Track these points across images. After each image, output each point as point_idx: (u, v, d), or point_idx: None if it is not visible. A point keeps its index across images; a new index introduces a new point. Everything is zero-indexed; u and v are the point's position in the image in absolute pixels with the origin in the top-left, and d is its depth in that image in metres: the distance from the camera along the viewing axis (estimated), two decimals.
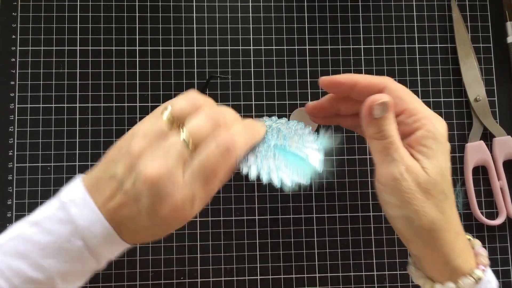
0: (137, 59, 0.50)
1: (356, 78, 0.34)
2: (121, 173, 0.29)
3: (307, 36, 0.51)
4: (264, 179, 0.32)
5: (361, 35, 0.51)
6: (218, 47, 0.50)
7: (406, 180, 0.31)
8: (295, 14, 0.51)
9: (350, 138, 0.50)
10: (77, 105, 0.49)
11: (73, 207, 0.30)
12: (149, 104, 0.49)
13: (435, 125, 0.33)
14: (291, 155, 0.33)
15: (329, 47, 0.51)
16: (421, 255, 0.34)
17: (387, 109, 0.32)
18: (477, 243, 0.36)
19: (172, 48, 0.50)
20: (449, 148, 0.34)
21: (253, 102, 0.50)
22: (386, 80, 0.34)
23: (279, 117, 0.35)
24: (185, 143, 0.29)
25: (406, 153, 0.32)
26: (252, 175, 0.32)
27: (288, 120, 0.37)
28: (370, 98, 0.32)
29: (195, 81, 0.50)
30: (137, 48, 0.50)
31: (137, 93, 0.49)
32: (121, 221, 0.30)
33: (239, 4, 0.51)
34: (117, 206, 0.29)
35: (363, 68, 0.51)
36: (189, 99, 0.31)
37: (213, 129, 0.30)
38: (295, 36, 0.51)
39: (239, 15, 0.51)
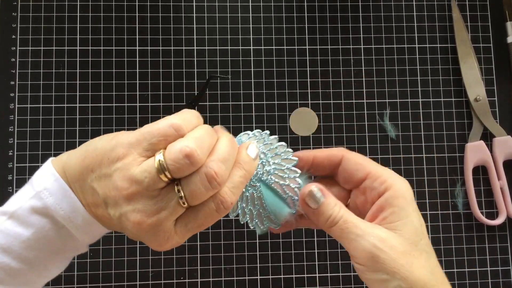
0: (137, 59, 0.50)
1: (313, 153, 0.34)
2: (104, 195, 0.28)
3: (307, 36, 0.51)
4: (241, 220, 0.32)
5: (361, 35, 0.51)
6: (218, 47, 0.50)
7: (383, 251, 0.30)
8: (295, 14, 0.51)
9: (349, 138, 0.50)
10: (77, 105, 0.49)
11: (50, 197, 0.29)
12: (149, 104, 0.49)
13: (401, 185, 0.32)
14: (271, 195, 0.32)
15: (329, 47, 0.51)
16: None
17: (321, 195, 0.31)
18: None
19: (172, 48, 0.50)
20: (417, 207, 0.33)
21: (253, 102, 0.50)
22: (342, 150, 0.34)
23: (263, 129, 0.33)
24: (181, 201, 0.28)
25: (369, 225, 0.31)
26: (232, 215, 0.32)
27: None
28: (300, 194, 0.31)
29: (195, 81, 0.50)
30: (137, 48, 0.50)
31: (137, 93, 0.49)
32: (100, 219, 0.30)
33: (239, 4, 0.51)
34: (99, 213, 0.29)
35: (363, 68, 0.51)
36: (182, 153, 0.27)
37: (212, 189, 0.28)
38: (295, 36, 0.51)
39: (239, 15, 0.51)
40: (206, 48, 0.50)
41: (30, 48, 0.49)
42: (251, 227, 0.33)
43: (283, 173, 0.32)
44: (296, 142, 0.49)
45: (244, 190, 0.32)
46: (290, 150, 0.32)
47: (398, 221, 0.31)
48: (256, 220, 0.32)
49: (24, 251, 0.29)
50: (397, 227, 0.31)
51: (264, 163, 0.32)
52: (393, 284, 0.30)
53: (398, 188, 0.31)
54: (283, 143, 0.32)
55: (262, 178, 0.32)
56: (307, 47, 0.51)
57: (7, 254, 0.29)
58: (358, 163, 0.33)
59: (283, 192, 0.32)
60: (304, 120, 0.46)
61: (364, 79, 0.51)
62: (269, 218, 0.32)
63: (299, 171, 0.32)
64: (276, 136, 0.33)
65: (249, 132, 0.33)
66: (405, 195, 0.31)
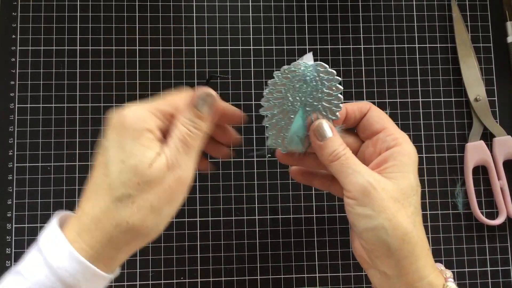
0: (137, 59, 0.50)
1: (344, 106, 0.36)
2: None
3: (307, 36, 0.51)
4: (266, 122, 0.35)
5: (361, 35, 0.51)
6: (218, 47, 0.50)
7: (375, 189, 0.31)
8: (295, 14, 0.51)
9: None
10: (77, 105, 0.49)
11: (47, 248, 0.29)
12: None
13: (410, 146, 0.34)
14: (301, 121, 0.34)
15: (329, 47, 0.51)
16: (394, 273, 0.32)
17: (330, 131, 0.34)
18: (439, 264, 0.36)
19: (172, 48, 0.50)
20: (417, 172, 0.34)
21: (253, 102, 0.50)
22: (369, 104, 0.37)
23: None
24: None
25: (369, 168, 0.33)
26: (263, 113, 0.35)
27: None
28: (311, 126, 0.34)
29: (195, 81, 0.50)
30: (137, 48, 0.50)
31: (137, 93, 0.49)
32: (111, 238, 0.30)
33: (239, 4, 0.51)
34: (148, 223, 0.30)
35: (363, 68, 0.51)
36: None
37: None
38: (295, 36, 0.51)
39: (239, 15, 0.51)
40: (206, 48, 0.50)
41: (30, 48, 0.49)
42: (266, 135, 0.35)
43: (330, 103, 0.34)
44: None
45: (284, 102, 0.34)
46: (339, 79, 0.34)
47: (397, 172, 0.33)
48: (273, 132, 0.35)
49: None
50: (395, 177, 0.33)
51: (318, 89, 0.34)
52: (376, 222, 0.31)
53: (406, 147, 0.33)
54: (341, 87, 0.34)
55: (307, 101, 0.34)
56: (307, 47, 0.51)
57: None
58: (380, 117, 0.35)
59: (318, 114, 0.34)
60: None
61: (364, 79, 0.51)
62: (283, 139, 0.35)
63: (341, 105, 0.34)
64: (334, 71, 0.34)
65: (323, 64, 0.34)
66: (411, 155, 0.34)
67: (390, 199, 0.32)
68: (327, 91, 0.34)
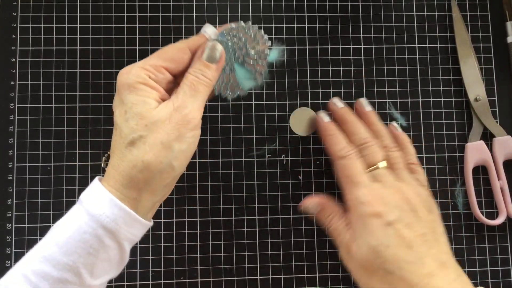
0: (137, 59, 0.50)
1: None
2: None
3: (307, 36, 0.51)
4: (216, 91, 0.39)
5: (361, 35, 0.51)
6: None
7: (347, 262, 0.37)
8: (295, 14, 0.51)
9: None
10: (77, 105, 0.49)
11: (86, 198, 0.32)
12: None
13: (356, 209, 0.37)
14: (242, 69, 0.39)
15: (329, 47, 0.51)
16: None
17: (316, 208, 0.42)
18: None
19: None
20: (386, 221, 0.36)
21: (253, 102, 0.50)
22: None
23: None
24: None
25: (345, 236, 0.38)
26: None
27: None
28: (301, 204, 0.43)
29: None
30: (137, 48, 0.50)
31: None
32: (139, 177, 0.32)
33: (239, 4, 0.51)
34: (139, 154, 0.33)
35: (363, 68, 0.51)
36: None
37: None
38: (295, 36, 0.51)
39: (239, 15, 0.51)
40: None
41: (30, 48, 0.49)
42: (223, 96, 0.40)
43: (256, 55, 0.39)
44: (296, 142, 0.49)
45: (223, 70, 0.38)
46: (266, 37, 0.40)
47: (358, 237, 0.37)
48: (228, 90, 0.40)
49: (63, 257, 0.31)
50: (356, 244, 0.37)
51: (240, 48, 0.38)
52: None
53: (353, 211, 0.38)
54: (261, 31, 0.39)
55: (236, 61, 0.39)
56: (307, 47, 0.51)
57: (48, 263, 0.30)
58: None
59: (253, 69, 0.40)
60: (304, 121, 0.46)
61: (364, 79, 0.51)
62: (239, 88, 0.40)
63: (269, 53, 0.40)
64: (257, 26, 0.39)
65: (232, 24, 0.38)
66: (358, 216, 0.38)
67: (359, 268, 0.37)
68: (249, 45, 0.39)
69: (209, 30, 0.38)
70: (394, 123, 0.45)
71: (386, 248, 0.34)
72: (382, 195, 0.37)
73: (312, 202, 0.41)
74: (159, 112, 0.32)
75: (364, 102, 0.45)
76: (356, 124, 0.42)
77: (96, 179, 0.34)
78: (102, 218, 0.31)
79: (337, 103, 0.44)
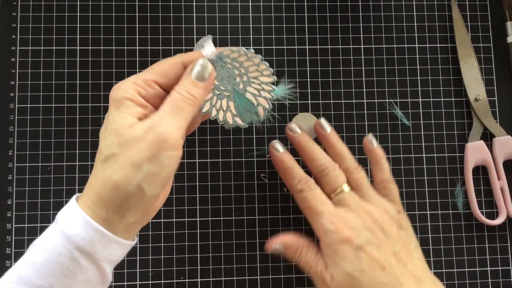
0: (137, 59, 0.50)
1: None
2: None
3: (307, 36, 0.51)
4: (213, 115, 0.37)
5: (361, 35, 0.51)
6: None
7: None
8: (295, 14, 0.51)
9: (349, 138, 0.50)
10: (77, 105, 0.49)
11: (62, 217, 0.31)
12: None
13: (324, 238, 0.37)
14: (243, 99, 0.36)
15: (329, 47, 0.51)
16: None
17: (282, 248, 0.40)
18: None
19: (172, 48, 0.50)
20: (358, 245, 0.36)
21: None
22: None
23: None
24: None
25: (319, 268, 0.37)
26: (204, 109, 0.37)
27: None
28: (267, 247, 0.41)
29: None
30: (137, 48, 0.50)
31: None
32: (116, 207, 0.31)
33: (239, 4, 0.51)
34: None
35: (363, 68, 0.51)
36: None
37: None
38: (295, 36, 0.51)
39: (239, 15, 0.51)
40: None
41: (30, 48, 0.49)
42: (219, 124, 0.38)
43: (258, 86, 0.36)
44: None
45: (218, 94, 0.36)
46: (271, 70, 0.36)
47: (331, 266, 0.37)
48: (225, 118, 0.37)
49: (39, 279, 0.30)
50: (330, 273, 0.36)
51: (241, 75, 0.36)
52: None
53: (323, 239, 0.38)
54: (265, 62, 0.36)
55: (236, 88, 0.36)
56: (307, 47, 0.51)
57: (25, 285, 0.30)
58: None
59: (255, 101, 0.37)
60: (305, 126, 0.46)
61: (364, 79, 0.51)
62: (238, 120, 0.37)
63: (274, 87, 0.37)
64: (260, 55, 0.36)
65: (233, 48, 0.36)
66: (329, 243, 0.37)
67: None
68: (251, 74, 0.36)
69: (207, 48, 0.36)
70: (370, 136, 0.43)
71: (361, 273, 0.34)
72: (348, 220, 0.37)
73: (277, 243, 0.40)
74: (134, 130, 0.31)
75: (324, 124, 0.43)
76: (313, 150, 0.41)
77: (74, 197, 0.33)
78: (77, 240, 0.30)
79: (294, 128, 0.42)
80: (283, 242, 0.39)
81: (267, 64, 0.36)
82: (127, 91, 0.32)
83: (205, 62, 0.34)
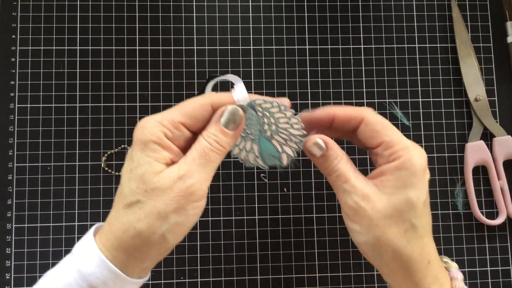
0: (137, 59, 0.50)
1: (333, 111, 0.35)
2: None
3: (307, 36, 0.51)
4: (235, 153, 0.35)
5: (361, 35, 0.51)
6: (218, 47, 0.50)
7: (363, 209, 0.32)
8: (295, 14, 0.51)
9: None
10: (77, 105, 0.49)
11: (78, 253, 0.31)
12: (149, 104, 0.49)
13: (411, 157, 0.32)
14: (268, 144, 0.35)
15: (329, 47, 0.51)
16: (391, 282, 0.34)
17: (324, 147, 0.33)
18: (454, 266, 0.35)
19: (172, 48, 0.50)
20: (427, 179, 0.33)
21: None
22: (364, 112, 0.34)
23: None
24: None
25: (361, 182, 0.33)
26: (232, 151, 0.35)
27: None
28: (306, 142, 0.34)
29: (195, 81, 0.50)
30: (137, 48, 0.50)
31: (137, 93, 0.49)
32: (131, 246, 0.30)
33: (239, 4, 0.51)
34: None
35: (363, 68, 0.51)
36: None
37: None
38: (295, 36, 0.51)
39: (239, 15, 0.51)
40: (206, 48, 0.50)
41: (30, 48, 0.49)
42: (239, 160, 0.36)
43: (286, 136, 0.34)
44: None
45: (243, 137, 0.35)
46: (302, 125, 0.34)
47: (391, 188, 0.32)
48: (246, 157, 0.35)
49: None
50: (389, 192, 0.32)
51: (270, 124, 0.34)
52: (365, 237, 0.32)
53: (404, 160, 0.32)
54: (297, 117, 0.34)
55: (262, 135, 0.35)
56: (307, 47, 0.51)
57: None
58: (375, 130, 0.33)
59: (280, 149, 0.35)
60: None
61: (364, 79, 0.51)
62: (259, 161, 0.35)
63: (303, 140, 0.34)
64: (293, 110, 0.34)
65: (267, 98, 0.34)
66: (410, 169, 0.32)
67: (380, 217, 0.31)
68: (280, 125, 0.34)
69: (239, 92, 0.34)
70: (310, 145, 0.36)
71: (423, 204, 0.32)
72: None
73: (319, 140, 0.34)
74: (161, 178, 0.30)
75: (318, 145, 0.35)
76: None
77: (93, 229, 0.32)
78: (91, 279, 0.29)
79: (313, 152, 0.35)
80: (326, 141, 0.34)
81: (299, 119, 0.34)
82: (154, 133, 0.31)
83: (235, 109, 0.32)
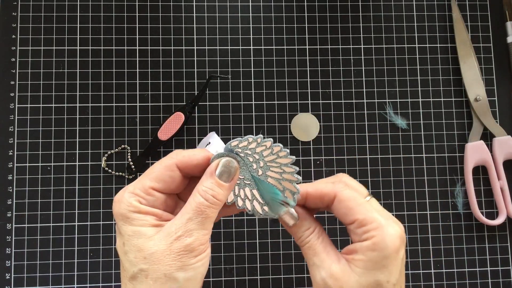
0: (137, 59, 0.50)
1: (305, 189, 0.34)
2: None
3: (307, 36, 0.51)
4: (240, 205, 0.33)
5: (361, 35, 0.51)
6: (218, 47, 0.50)
7: (330, 287, 0.31)
8: (295, 14, 0.51)
9: (349, 138, 0.50)
10: (77, 105, 0.49)
11: None
12: (149, 104, 0.49)
13: (384, 238, 0.31)
14: (266, 185, 0.33)
15: (329, 47, 0.51)
16: None
17: (296, 217, 0.33)
18: None
19: (172, 48, 0.50)
20: (401, 258, 0.32)
21: (253, 102, 0.50)
22: (336, 188, 0.33)
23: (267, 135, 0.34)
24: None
25: (331, 258, 0.32)
26: (229, 199, 0.33)
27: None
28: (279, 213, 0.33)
29: (195, 81, 0.50)
30: (137, 48, 0.50)
31: (137, 93, 0.49)
32: None
33: (239, 4, 0.51)
34: None
35: (363, 68, 0.51)
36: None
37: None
38: (295, 36, 0.51)
39: (239, 15, 0.51)
40: (206, 48, 0.50)
41: (30, 48, 0.49)
42: (251, 214, 0.34)
43: (278, 169, 0.33)
44: (296, 142, 0.49)
45: (238, 183, 0.33)
46: (287, 150, 0.33)
47: (361, 268, 0.31)
48: (255, 208, 0.33)
49: None
50: (359, 272, 0.31)
51: (257, 161, 0.33)
52: None
53: (377, 241, 0.31)
54: (278, 144, 0.33)
55: (254, 175, 0.33)
56: (307, 47, 0.51)
57: None
58: (348, 207, 0.32)
59: (279, 186, 0.33)
60: (304, 126, 0.46)
61: (364, 79, 0.51)
62: (267, 209, 0.33)
63: (296, 168, 0.33)
64: (271, 138, 0.33)
65: (238, 138, 0.33)
66: (383, 249, 0.31)
67: None
68: (266, 158, 0.33)
69: (215, 143, 0.33)
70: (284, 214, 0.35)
71: (393, 286, 0.31)
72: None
73: (292, 210, 0.34)
74: (156, 241, 0.30)
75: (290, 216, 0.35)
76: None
77: None
78: None
79: (287, 221, 0.34)
80: (299, 211, 0.34)
81: (281, 145, 0.33)
82: (130, 204, 0.31)
83: (229, 161, 0.32)
